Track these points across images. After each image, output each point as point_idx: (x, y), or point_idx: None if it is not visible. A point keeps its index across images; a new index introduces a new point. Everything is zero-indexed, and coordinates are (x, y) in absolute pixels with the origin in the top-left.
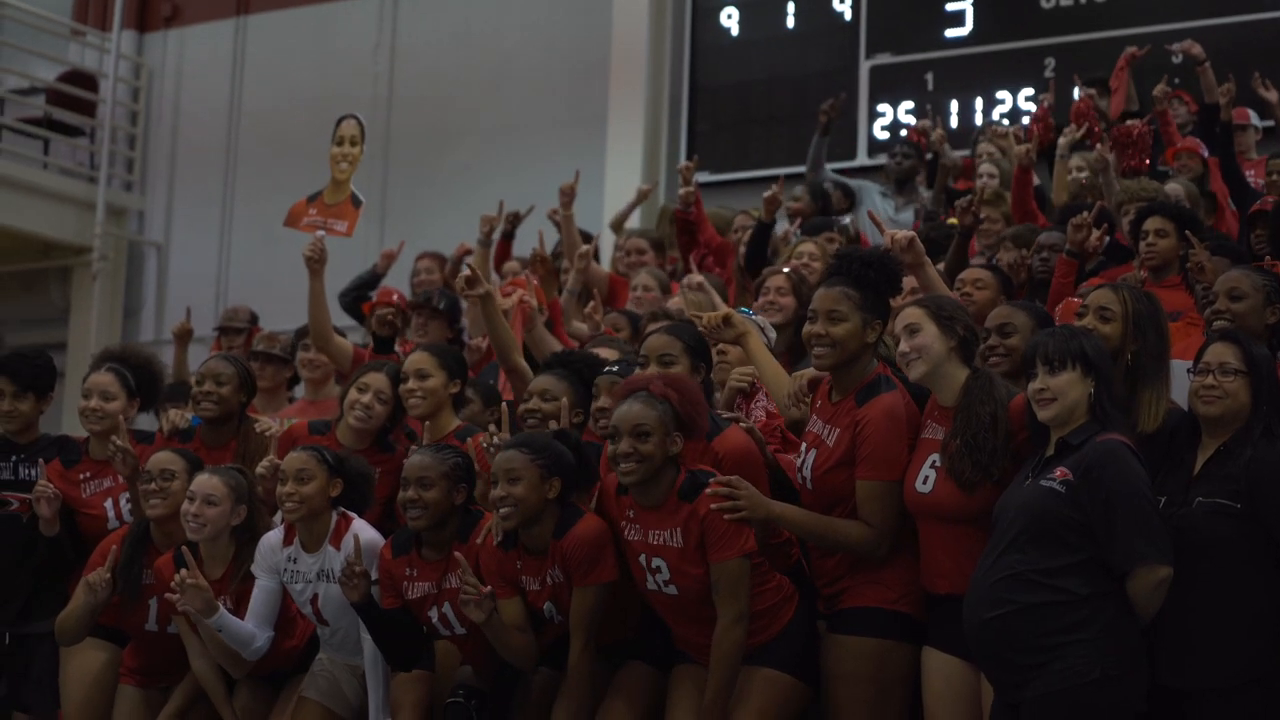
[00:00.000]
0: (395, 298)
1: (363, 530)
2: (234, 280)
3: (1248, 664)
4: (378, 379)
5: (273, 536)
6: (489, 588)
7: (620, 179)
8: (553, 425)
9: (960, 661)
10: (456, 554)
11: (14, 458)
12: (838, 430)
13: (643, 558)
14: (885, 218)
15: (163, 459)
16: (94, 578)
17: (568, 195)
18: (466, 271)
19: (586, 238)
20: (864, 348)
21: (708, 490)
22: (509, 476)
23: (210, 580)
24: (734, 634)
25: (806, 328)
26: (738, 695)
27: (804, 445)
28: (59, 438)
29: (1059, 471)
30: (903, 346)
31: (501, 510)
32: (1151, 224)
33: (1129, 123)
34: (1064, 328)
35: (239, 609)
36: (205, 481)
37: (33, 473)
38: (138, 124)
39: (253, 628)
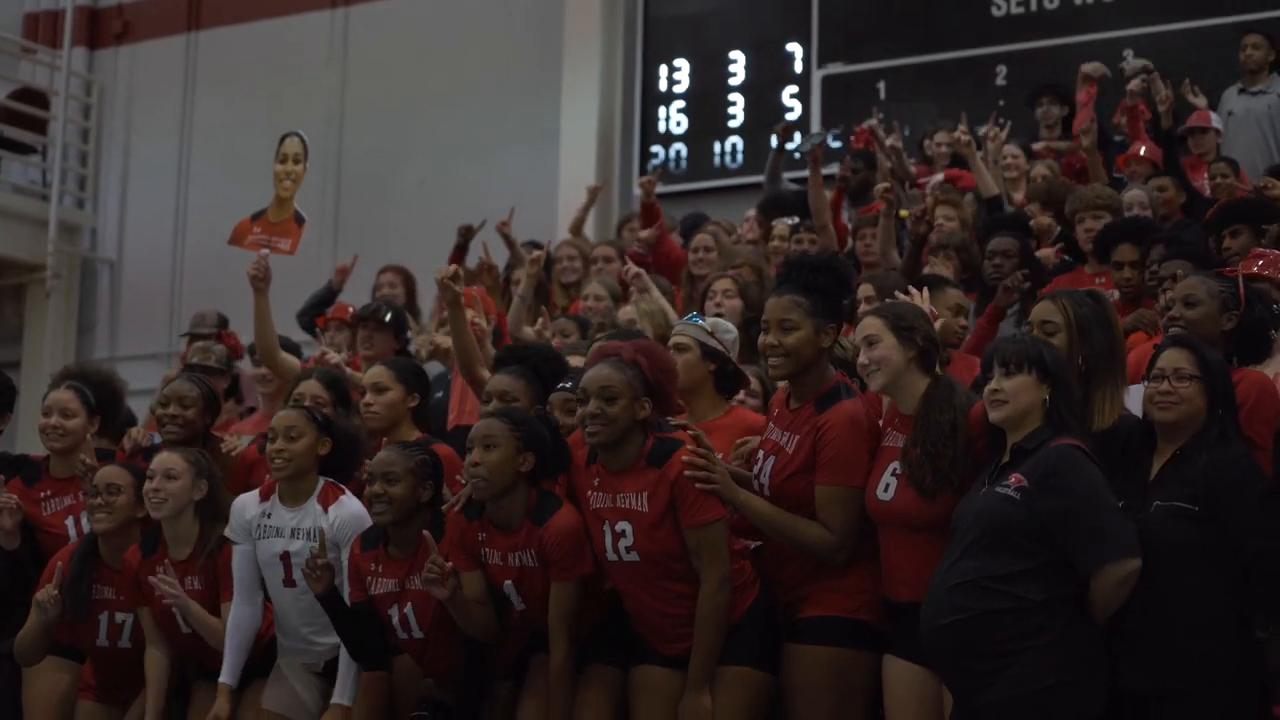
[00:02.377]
0: (350, 313)
1: (349, 503)
2: (188, 296)
3: (1209, 665)
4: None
5: (245, 497)
6: (451, 565)
7: (573, 191)
8: None
9: (921, 669)
10: (425, 533)
11: None
12: (797, 437)
13: (607, 524)
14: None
15: (109, 473)
16: (42, 595)
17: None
18: (448, 270)
19: (537, 246)
20: (819, 353)
21: (683, 458)
22: (485, 443)
23: (176, 562)
24: (718, 599)
25: (761, 339)
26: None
27: (761, 453)
28: (17, 456)
29: (1014, 478)
30: (862, 358)
31: (473, 478)
32: (1123, 254)
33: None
34: (1027, 335)
35: (207, 590)
36: (164, 458)
37: None
38: (89, 141)
39: (238, 610)
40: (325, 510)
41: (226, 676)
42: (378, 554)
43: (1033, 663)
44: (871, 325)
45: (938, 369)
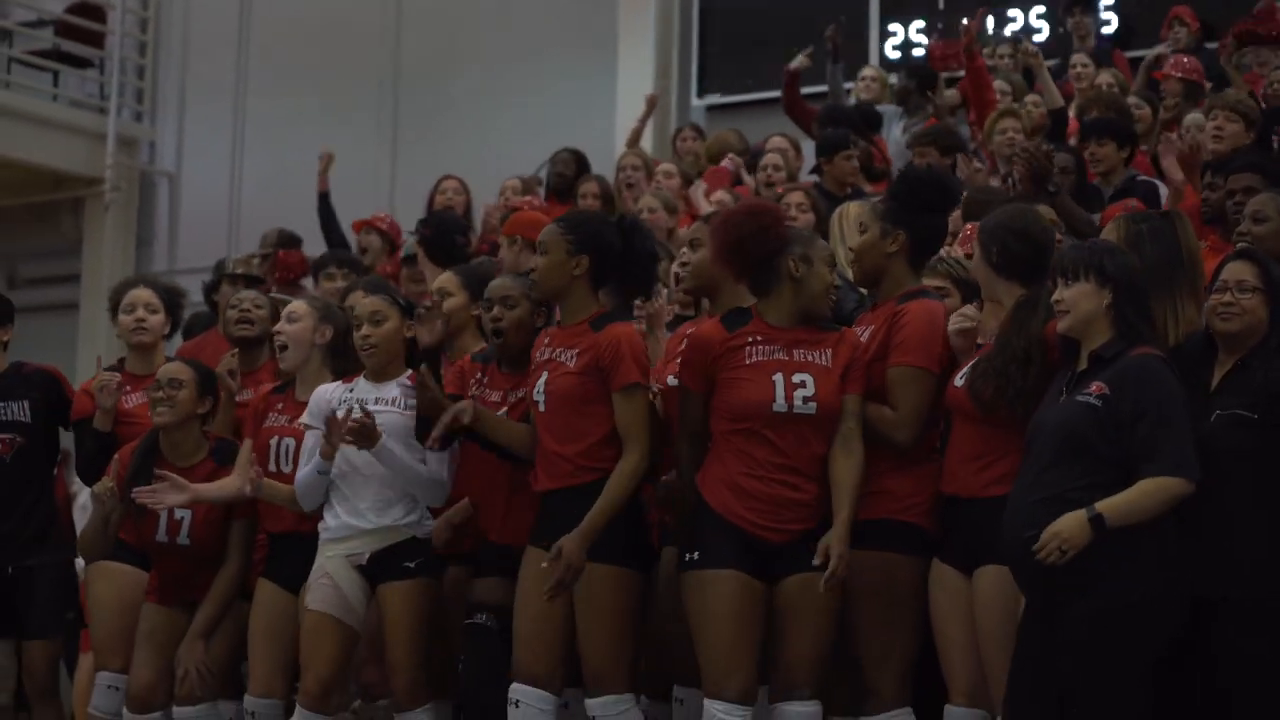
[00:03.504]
0: (385, 224)
1: None
2: (246, 208)
3: (1269, 572)
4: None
5: (328, 385)
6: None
7: (632, 101)
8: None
9: (963, 577)
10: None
11: None
12: (872, 328)
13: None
14: (895, 142)
15: (172, 368)
16: (99, 488)
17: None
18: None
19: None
20: (886, 258)
21: None
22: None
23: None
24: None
25: None
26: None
27: None
28: (28, 370)
29: (1095, 386)
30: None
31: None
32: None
33: None
34: (1089, 241)
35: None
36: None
37: (11, 410)
38: (146, 54)
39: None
40: (412, 384)
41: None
42: (489, 368)
43: (1119, 578)
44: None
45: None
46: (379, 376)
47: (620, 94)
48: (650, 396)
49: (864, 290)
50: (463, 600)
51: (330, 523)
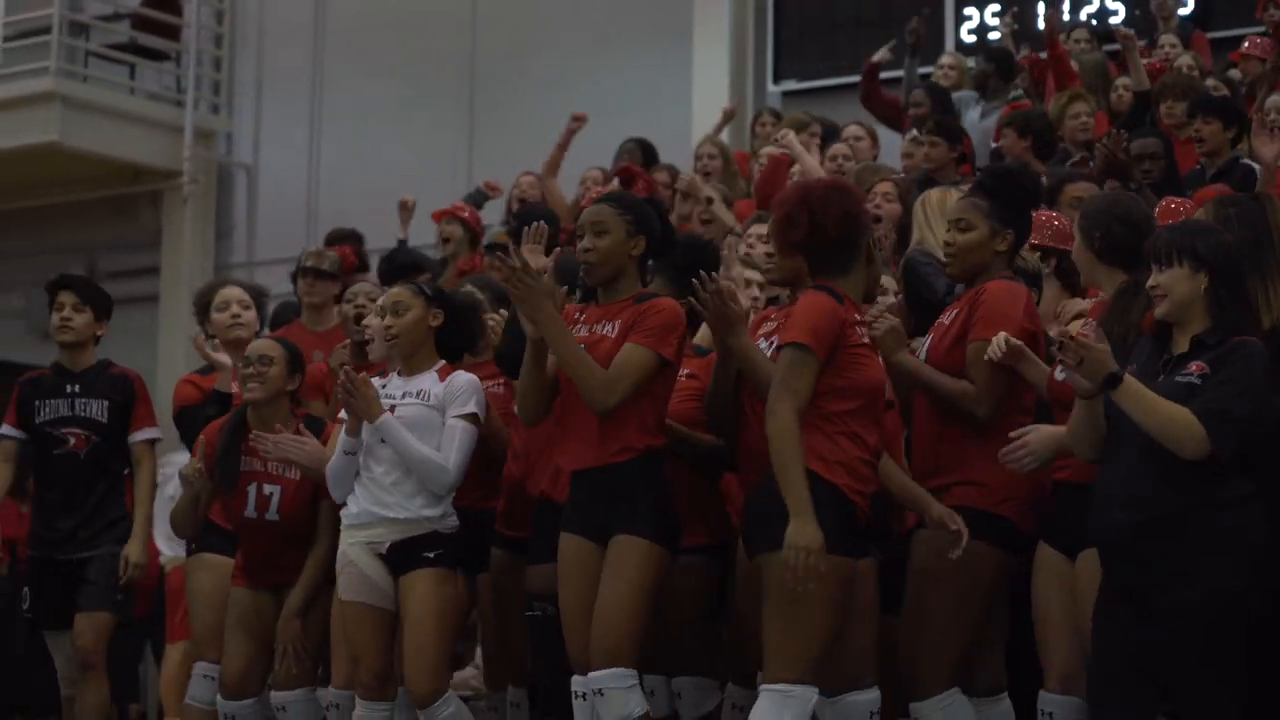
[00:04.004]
0: (466, 214)
1: (466, 374)
2: (324, 199)
3: None
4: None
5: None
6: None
7: (707, 88)
8: None
9: (1058, 555)
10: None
11: (70, 388)
12: (955, 310)
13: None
14: (972, 126)
15: (261, 345)
16: (187, 469)
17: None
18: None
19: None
20: (994, 256)
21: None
22: (595, 229)
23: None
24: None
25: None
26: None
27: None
28: (114, 371)
29: (1195, 366)
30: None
31: (584, 263)
32: None
33: None
34: (1182, 223)
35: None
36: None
37: (92, 408)
38: (223, 46)
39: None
40: (442, 380)
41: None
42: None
43: (1221, 565)
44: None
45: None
46: (410, 369)
47: (695, 81)
48: (680, 378)
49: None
50: (522, 590)
51: (352, 508)
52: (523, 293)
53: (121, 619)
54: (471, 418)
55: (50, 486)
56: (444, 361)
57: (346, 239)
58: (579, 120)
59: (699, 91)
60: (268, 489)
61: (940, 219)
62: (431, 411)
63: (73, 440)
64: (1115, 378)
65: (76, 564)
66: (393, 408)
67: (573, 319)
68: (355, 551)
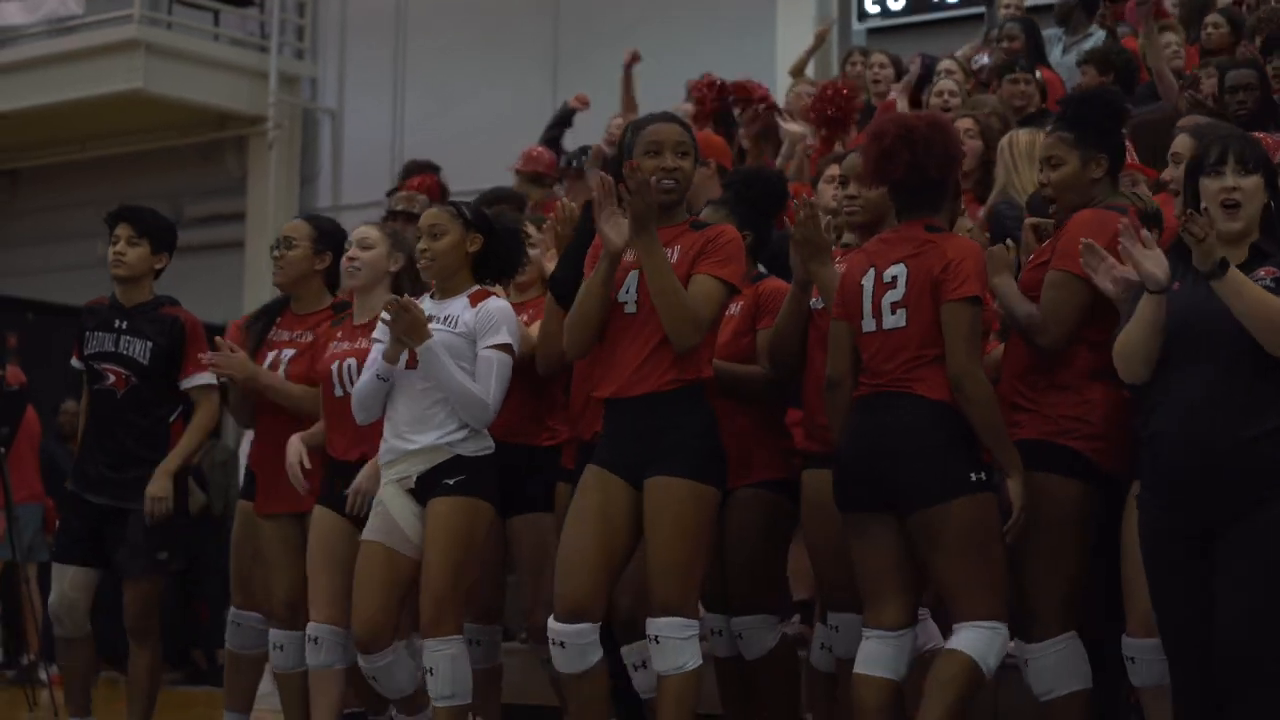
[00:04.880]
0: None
1: (498, 300)
2: (408, 143)
3: None
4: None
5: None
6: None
7: (792, 26)
8: None
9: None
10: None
11: (118, 324)
12: (1050, 241)
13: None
14: (1055, 64)
15: (288, 226)
16: (206, 358)
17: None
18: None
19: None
20: (1090, 184)
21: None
22: (678, 150)
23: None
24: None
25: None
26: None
27: None
28: (165, 312)
29: (1265, 270)
30: None
31: (664, 183)
32: None
33: None
34: (1237, 131)
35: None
36: (360, 230)
37: (134, 348)
38: None
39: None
40: (473, 306)
41: None
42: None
43: None
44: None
45: None
46: (443, 293)
47: (780, 20)
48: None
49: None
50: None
51: (382, 446)
52: (643, 207)
53: (175, 569)
54: (505, 348)
55: (93, 420)
56: (477, 286)
57: (424, 169)
58: (635, 58)
59: (783, 30)
60: (285, 353)
61: (1028, 161)
62: (460, 340)
63: (111, 378)
64: (1224, 263)
65: (111, 514)
66: (409, 306)
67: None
68: (388, 492)
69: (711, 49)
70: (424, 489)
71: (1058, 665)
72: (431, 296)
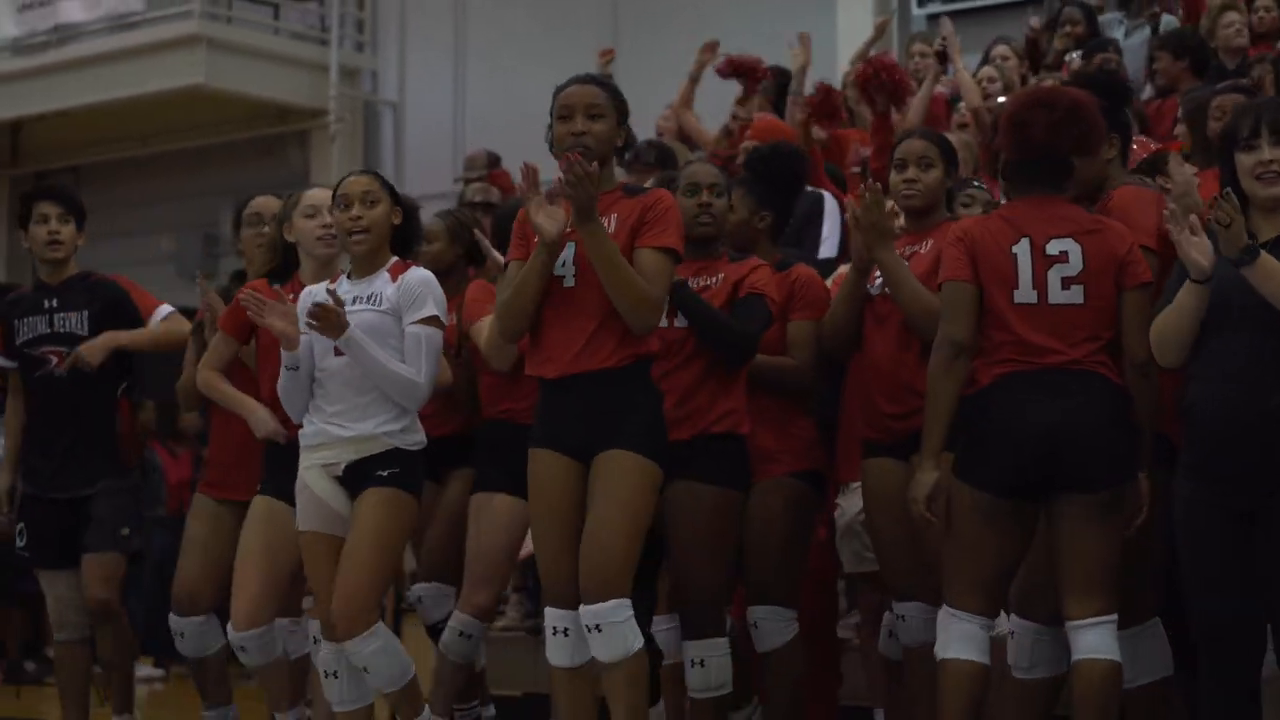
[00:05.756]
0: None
1: (419, 271)
2: (470, 135)
3: None
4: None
5: (315, 285)
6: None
7: (851, 12)
8: None
9: None
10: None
11: (48, 303)
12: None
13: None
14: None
15: (255, 203)
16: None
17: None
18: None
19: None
20: (1106, 164)
21: None
22: (589, 112)
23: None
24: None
25: None
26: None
27: None
28: (94, 279)
29: None
30: None
31: (581, 145)
32: None
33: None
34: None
35: None
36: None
37: (70, 322)
38: None
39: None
40: (394, 280)
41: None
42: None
43: None
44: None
45: None
46: (365, 269)
47: (840, 6)
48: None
49: None
50: None
51: (307, 428)
52: (585, 198)
53: (135, 548)
54: (432, 320)
55: (36, 413)
56: (395, 259)
57: (490, 162)
58: (710, 50)
59: (843, 10)
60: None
61: None
62: (384, 317)
63: (54, 360)
64: (1253, 250)
65: (77, 503)
66: (334, 299)
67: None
68: (312, 476)
69: (772, 32)
70: (352, 477)
71: (1144, 653)
72: (349, 277)
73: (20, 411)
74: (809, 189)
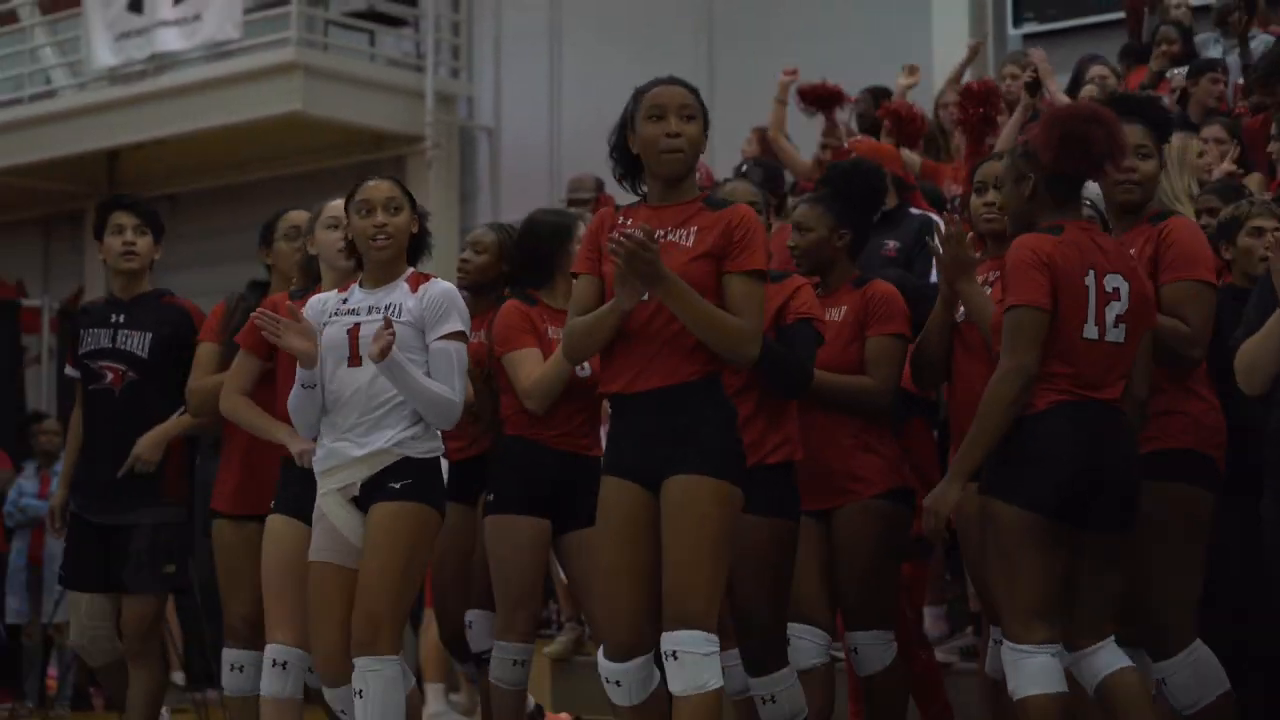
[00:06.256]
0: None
1: (440, 283)
2: (567, 159)
3: None
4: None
5: (325, 293)
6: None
7: (947, 32)
8: None
9: None
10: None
11: (115, 318)
12: (1132, 249)
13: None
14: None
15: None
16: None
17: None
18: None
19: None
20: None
21: None
22: (682, 113)
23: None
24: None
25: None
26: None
27: None
28: (166, 300)
29: None
30: None
31: (673, 146)
32: None
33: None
34: None
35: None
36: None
37: (132, 341)
38: (460, 10)
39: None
40: (414, 291)
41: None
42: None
43: None
44: None
45: None
46: (380, 278)
47: (935, 25)
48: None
49: None
50: None
51: (319, 452)
52: (646, 268)
53: (177, 588)
54: (459, 336)
55: (91, 428)
56: (412, 270)
57: (595, 187)
58: (791, 74)
59: (939, 35)
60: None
61: (1180, 167)
62: (405, 329)
63: (109, 375)
64: None
65: (116, 531)
66: (357, 325)
67: (616, 224)
68: (329, 503)
69: (868, 57)
70: (368, 494)
71: (1200, 674)
72: (361, 285)
73: (79, 424)
74: (919, 212)
